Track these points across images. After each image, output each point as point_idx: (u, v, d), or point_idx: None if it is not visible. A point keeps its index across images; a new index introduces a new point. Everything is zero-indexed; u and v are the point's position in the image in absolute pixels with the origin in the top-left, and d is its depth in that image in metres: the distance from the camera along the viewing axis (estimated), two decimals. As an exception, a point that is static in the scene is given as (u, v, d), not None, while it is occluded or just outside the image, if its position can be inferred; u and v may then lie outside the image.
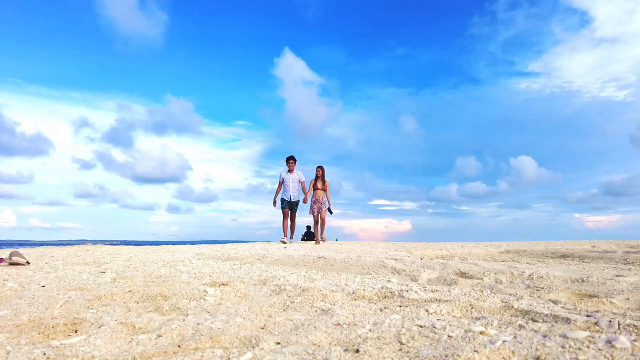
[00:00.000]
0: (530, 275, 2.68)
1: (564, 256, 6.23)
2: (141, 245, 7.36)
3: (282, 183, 9.80)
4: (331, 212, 9.77)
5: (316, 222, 9.60)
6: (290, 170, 9.70)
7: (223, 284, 2.30)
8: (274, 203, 9.61)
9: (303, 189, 9.74)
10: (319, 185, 9.68)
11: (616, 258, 5.33)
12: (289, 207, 9.71)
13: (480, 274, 2.86)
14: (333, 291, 2.13)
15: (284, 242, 8.88)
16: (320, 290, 2.12)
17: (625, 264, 4.64)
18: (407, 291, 2.08)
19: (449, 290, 2.15)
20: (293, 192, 9.66)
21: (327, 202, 9.78)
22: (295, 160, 9.82)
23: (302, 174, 9.81)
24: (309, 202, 9.72)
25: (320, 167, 9.80)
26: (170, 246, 6.50)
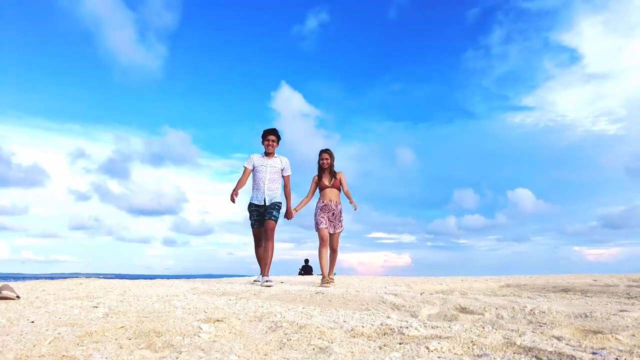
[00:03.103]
0: (532, 310, 2.63)
1: (565, 290, 6.13)
2: (136, 279, 7.22)
3: (250, 174, 5.53)
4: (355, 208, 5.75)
5: (324, 246, 5.57)
6: (268, 154, 5.53)
7: (218, 320, 2.24)
8: (232, 198, 5.34)
9: (287, 191, 5.62)
10: (327, 181, 5.70)
11: (619, 292, 5.24)
12: (260, 220, 5.46)
13: (481, 309, 2.80)
14: (331, 328, 2.08)
15: (259, 281, 5.63)
16: (317, 327, 2.06)
17: (629, 298, 4.56)
18: (407, 328, 2.03)
19: (449, 326, 2.10)
20: (270, 190, 5.42)
21: (342, 205, 5.91)
22: (278, 138, 5.57)
23: (289, 163, 5.65)
24: (314, 212, 5.75)
25: (326, 151, 5.76)
26: (165, 280, 6.38)
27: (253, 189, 5.50)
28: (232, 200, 5.29)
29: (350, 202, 5.66)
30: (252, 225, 5.52)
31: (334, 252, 5.71)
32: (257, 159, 5.51)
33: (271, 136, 5.50)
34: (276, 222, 5.36)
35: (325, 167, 5.74)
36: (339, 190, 5.76)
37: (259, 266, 5.66)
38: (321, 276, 5.72)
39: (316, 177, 5.86)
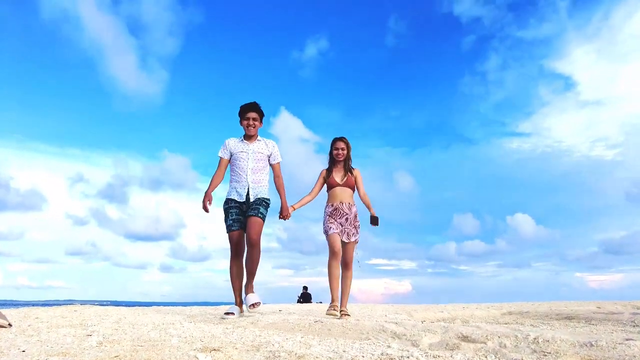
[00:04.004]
0: (535, 338, 2.57)
1: (569, 318, 6.02)
2: (132, 306, 7.08)
3: (227, 164, 4.23)
4: (376, 223, 4.48)
5: (334, 258, 4.31)
6: (249, 137, 4.20)
7: (214, 350, 2.19)
8: (204, 204, 4.01)
9: (279, 182, 4.27)
10: (339, 178, 4.49)
11: (624, 320, 5.14)
12: (240, 220, 4.08)
13: (484, 337, 2.74)
14: (330, 358, 2.03)
15: (232, 314, 3.95)
16: (316, 357, 2.01)
17: (634, 326, 4.48)
18: (408, 357, 1.98)
19: (451, 356, 2.05)
20: (254, 182, 4.11)
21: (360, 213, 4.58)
22: (261, 115, 4.18)
23: (277, 147, 4.31)
24: (323, 219, 4.48)
25: (341, 139, 4.53)
26: (162, 307, 6.26)
27: (231, 183, 4.07)
28: (205, 209, 3.83)
29: (370, 211, 4.48)
30: (229, 228, 3.92)
31: (347, 268, 4.33)
32: (235, 144, 4.08)
33: (251, 113, 3.95)
34: (263, 221, 3.97)
35: (340, 160, 4.46)
36: (353, 190, 4.53)
37: (233, 292, 4.14)
38: (331, 302, 4.38)
39: (325, 172, 4.53)
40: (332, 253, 4.33)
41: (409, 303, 10.02)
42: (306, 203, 4.58)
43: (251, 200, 4.06)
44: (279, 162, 4.29)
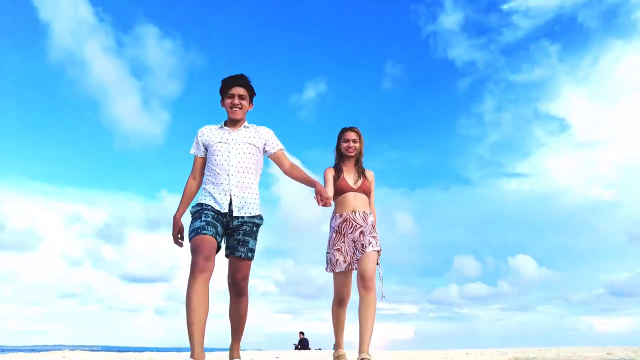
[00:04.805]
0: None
1: (578, 365, 5.81)
2: (123, 351, 6.81)
3: (203, 165, 2.88)
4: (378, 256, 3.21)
5: (339, 304, 3.35)
6: (232, 122, 2.86)
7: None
8: (174, 236, 2.76)
9: (295, 171, 2.92)
10: (352, 180, 3.36)
11: (634, 367, 4.96)
12: (216, 227, 2.63)
13: (491, 386, 2.62)
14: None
15: None
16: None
17: (646, 374, 4.30)
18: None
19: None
20: (240, 186, 2.72)
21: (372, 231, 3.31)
22: (250, 92, 2.87)
23: (273, 134, 2.96)
24: (328, 239, 3.34)
25: (352, 129, 3.44)
26: (155, 353, 6.02)
27: (205, 186, 2.78)
28: (176, 241, 2.75)
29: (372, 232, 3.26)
30: (198, 230, 2.57)
31: (367, 291, 3.01)
32: (212, 132, 2.85)
33: (237, 88, 2.79)
34: (252, 261, 2.80)
35: (351, 156, 3.37)
36: (369, 196, 3.38)
37: (189, 337, 2.45)
38: (335, 348, 3.42)
39: (331, 171, 3.38)
40: (338, 299, 3.29)
41: (412, 349, 9.68)
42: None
43: (236, 214, 2.68)
44: (281, 149, 2.94)
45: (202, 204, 2.73)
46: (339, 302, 3.34)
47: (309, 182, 2.86)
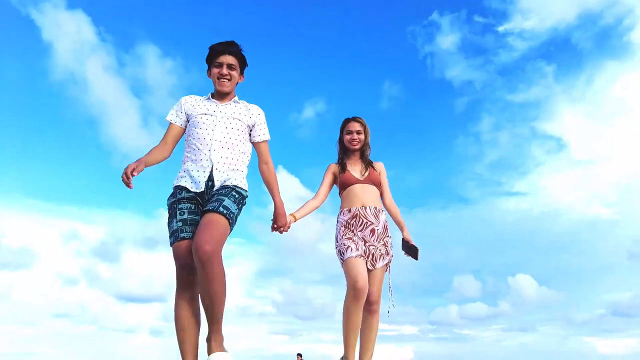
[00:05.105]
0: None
1: (585, 390, 5.61)
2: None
3: (178, 135, 2.52)
4: (416, 256, 2.93)
5: (355, 298, 2.62)
6: (220, 95, 2.50)
7: None
8: (127, 177, 2.13)
9: (268, 174, 2.60)
10: (358, 172, 3.00)
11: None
12: (194, 221, 2.26)
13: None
14: None
15: None
16: None
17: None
18: None
19: None
20: (222, 161, 2.35)
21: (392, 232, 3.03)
22: (242, 62, 2.51)
23: (264, 117, 2.61)
24: (335, 234, 2.98)
25: (355, 119, 3.07)
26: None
27: (184, 164, 2.43)
28: (127, 182, 2.14)
29: (402, 231, 3.05)
30: (175, 235, 2.26)
31: (371, 311, 2.81)
32: (195, 102, 2.50)
33: (227, 57, 2.43)
34: (230, 223, 2.25)
35: (355, 149, 3.02)
36: (380, 189, 3.03)
37: (181, 355, 2.25)
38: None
39: (334, 167, 3.08)
40: (353, 289, 2.63)
41: (412, 372, 9.36)
42: (311, 211, 3.02)
43: (217, 188, 2.32)
44: (266, 141, 2.57)
45: (176, 190, 2.37)
46: (355, 295, 2.63)
47: (273, 197, 2.65)
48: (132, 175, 2.15)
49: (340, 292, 2.91)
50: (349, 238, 2.84)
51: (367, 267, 2.79)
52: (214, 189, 2.33)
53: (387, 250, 2.91)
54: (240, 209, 2.38)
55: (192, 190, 2.33)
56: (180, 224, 2.27)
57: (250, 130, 2.57)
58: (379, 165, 3.12)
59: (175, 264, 2.24)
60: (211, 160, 2.35)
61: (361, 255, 2.76)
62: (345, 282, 2.73)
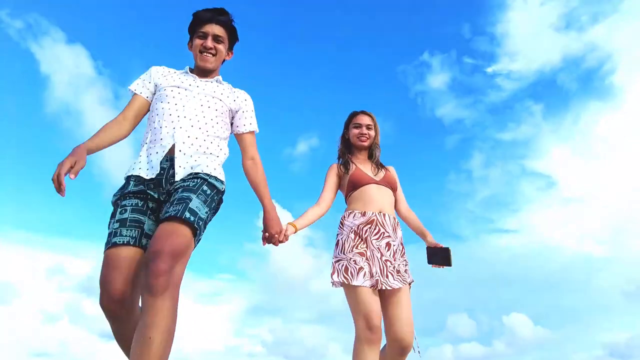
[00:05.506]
0: None
1: None
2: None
3: (142, 109, 1.93)
4: (449, 260, 2.32)
5: (369, 342, 1.98)
6: (202, 71, 2.00)
7: None
8: (58, 179, 1.46)
9: (255, 172, 2.05)
10: (369, 171, 2.41)
11: None
12: (139, 222, 1.63)
13: None
14: None
15: None
16: None
17: None
18: None
19: None
20: (188, 142, 1.76)
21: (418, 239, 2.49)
22: (231, 35, 2.04)
23: (252, 107, 2.11)
24: (335, 245, 2.30)
25: (365, 113, 2.53)
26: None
27: (143, 145, 1.85)
28: (58, 188, 1.48)
29: (425, 238, 2.49)
30: (108, 237, 1.63)
31: (402, 352, 2.11)
32: (168, 73, 2.00)
33: (213, 26, 1.98)
34: (198, 232, 1.59)
35: (364, 145, 2.50)
36: (395, 192, 2.47)
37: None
38: None
39: (336, 169, 2.50)
40: (369, 330, 2.01)
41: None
42: (314, 220, 2.38)
43: (177, 178, 1.71)
44: (253, 132, 2.09)
45: (125, 184, 1.75)
46: (370, 336, 2.01)
47: (262, 200, 2.05)
48: (71, 177, 1.51)
49: (333, 332, 2.23)
50: (361, 253, 2.16)
51: (382, 288, 2.10)
52: (176, 180, 1.69)
53: (406, 266, 2.29)
54: (213, 211, 1.76)
55: (145, 177, 1.70)
56: (117, 225, 1.62)
57: (233, 118, 2.04)
58: (392, 169, 2.59)
59: (100, 280, 1.54)
60: (174, 139, 1.75)
61: (374, 286, 2.08)
62: (339, 313, 2.13)
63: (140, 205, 1.67)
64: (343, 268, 2.16)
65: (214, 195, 1.74)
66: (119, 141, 1.84)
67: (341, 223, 2.36)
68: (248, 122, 2.06)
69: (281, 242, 2.10)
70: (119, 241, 1.57)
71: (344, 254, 2.21)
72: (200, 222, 1.58)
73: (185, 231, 1.51)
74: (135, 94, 1.94)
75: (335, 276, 2.18)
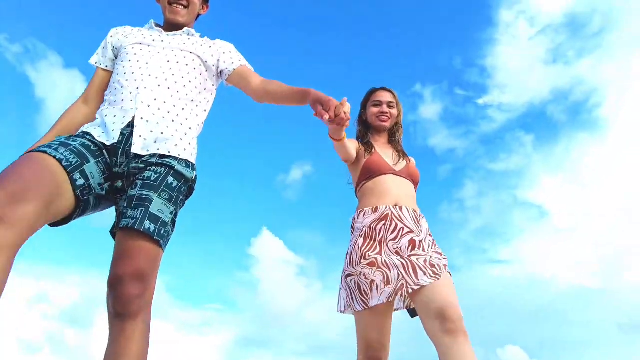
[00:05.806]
0: None
1: None
2: None
3: (104, 83, 1.63)
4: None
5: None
6: (170, 25, 1.67)
7: None
8: None
9: (270, 87, 1.61)
10: (390, 159, 2.01)
11: None
12: (68, 176, 1.20)
13: None
14: None
15: None
16: None
17: None
18: None
19: None
20: (155, 107, 1.44)
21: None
22: None
23: (234, 49, 1.74)
24: (348, 250, 1.90)
25: (386, 89, 2.15)
26: None
27: (101, 108, 1.52)
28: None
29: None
30: (44, 148, 1.26)
31: (456, 334, 1.56)
32: (129, 32, 1.68)
33: None
34: (164, 243, 1.35)
35: (385, 126, 2.14)
36: (416, 186, 2.09)
37: None
38: None
39: (358, 144, 2.08)
40: (365, 358, 1.86)
41: None
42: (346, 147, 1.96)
43: (136, 151, 1.39)
44: (245, 65, 1.74)
45: (79, 133, 1.46)
46: None
47: (297, 93, 1.51)
48: None
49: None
50: (372, 263, 1.79)
51: (413, 283, 1.67)
52: (135, 157, 1.39)
53: (440, 255, 1.84)
54: (181, 204, 1.48)
55: (99, 141, 1.38)
56: (55, 142, 1.31)
57: (217, 69, 1.70)
58: (414, 161, 2.17)
59: None
60: (136, 103, 1.45)
61: (393, 292, 1.71)
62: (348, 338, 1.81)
63: (87, 146, 1.34)
64: (354, 283, 1.81)
65: (181, 187, 1.43)
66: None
67: (352, 227, 2.00)
68: (236, 58, 1.72)
69: (346, 114, 1.36)
70: (51, 153, 1.23)
71: (350, 266, 1.85)
72: (163, 230, 1.33)
73: (148, 246, 1.29)
74: (98, 68, 1.69)
75: (341, 306, 1.88)
